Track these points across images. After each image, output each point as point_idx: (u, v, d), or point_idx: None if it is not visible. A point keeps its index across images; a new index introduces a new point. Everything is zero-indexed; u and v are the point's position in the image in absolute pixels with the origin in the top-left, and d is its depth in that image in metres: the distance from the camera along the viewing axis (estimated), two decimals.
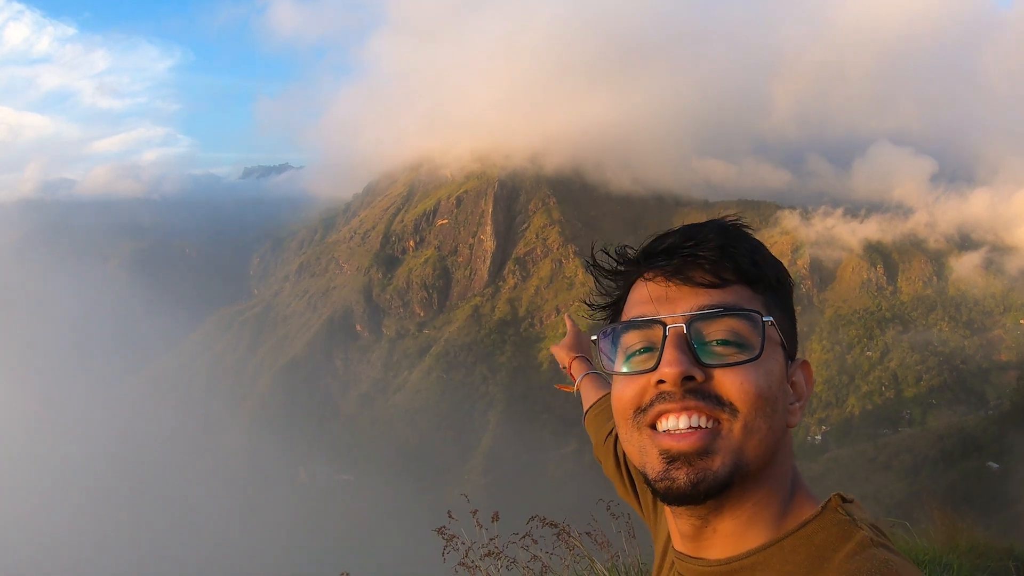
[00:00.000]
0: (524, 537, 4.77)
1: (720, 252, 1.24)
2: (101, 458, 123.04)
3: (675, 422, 1.18)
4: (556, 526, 4.87)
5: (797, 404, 1.25)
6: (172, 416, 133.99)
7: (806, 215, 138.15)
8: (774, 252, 1.28)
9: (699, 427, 1.18)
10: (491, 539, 4.73)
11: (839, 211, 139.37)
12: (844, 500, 1.20)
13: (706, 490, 1.18)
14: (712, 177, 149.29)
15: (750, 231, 1.26)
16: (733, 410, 1.18)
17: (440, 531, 4.81)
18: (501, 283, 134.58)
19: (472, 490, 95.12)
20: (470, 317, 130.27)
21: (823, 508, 1.20)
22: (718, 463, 1.17)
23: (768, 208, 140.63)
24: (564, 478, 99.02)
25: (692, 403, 1.18)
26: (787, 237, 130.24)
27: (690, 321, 1.21)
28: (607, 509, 5.05)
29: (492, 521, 4.90)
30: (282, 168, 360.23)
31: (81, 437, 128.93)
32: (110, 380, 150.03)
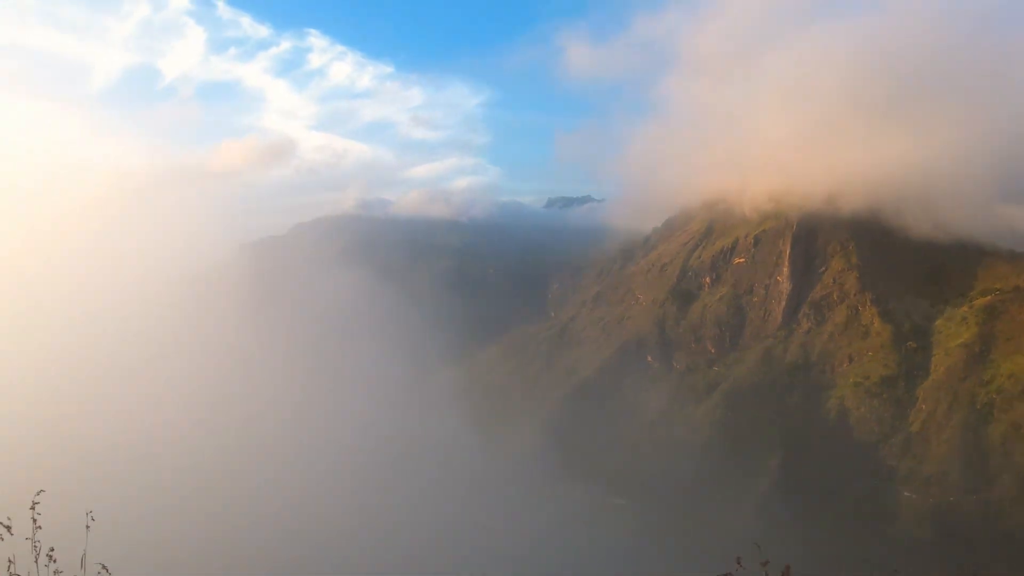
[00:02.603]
0: None
1: None
2: (392, 458, 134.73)
3: None
4: None
5: None
6: (459, 422, 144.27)
7: None
8: None
9: None
10: None
11: None
12: None
13: None
14: (1017, 224, 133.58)
15: None
16: None
17: None
18: (795, 326, 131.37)
19: (746, 532, 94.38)
20: (761, 358, 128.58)
21: None
22: None
23: None
24: (842, 530, 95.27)
25: None
26: None
27: None
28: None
29: None
30: (584, 200, 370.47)
31: (375, 438, 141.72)
32: (407, 384, 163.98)
